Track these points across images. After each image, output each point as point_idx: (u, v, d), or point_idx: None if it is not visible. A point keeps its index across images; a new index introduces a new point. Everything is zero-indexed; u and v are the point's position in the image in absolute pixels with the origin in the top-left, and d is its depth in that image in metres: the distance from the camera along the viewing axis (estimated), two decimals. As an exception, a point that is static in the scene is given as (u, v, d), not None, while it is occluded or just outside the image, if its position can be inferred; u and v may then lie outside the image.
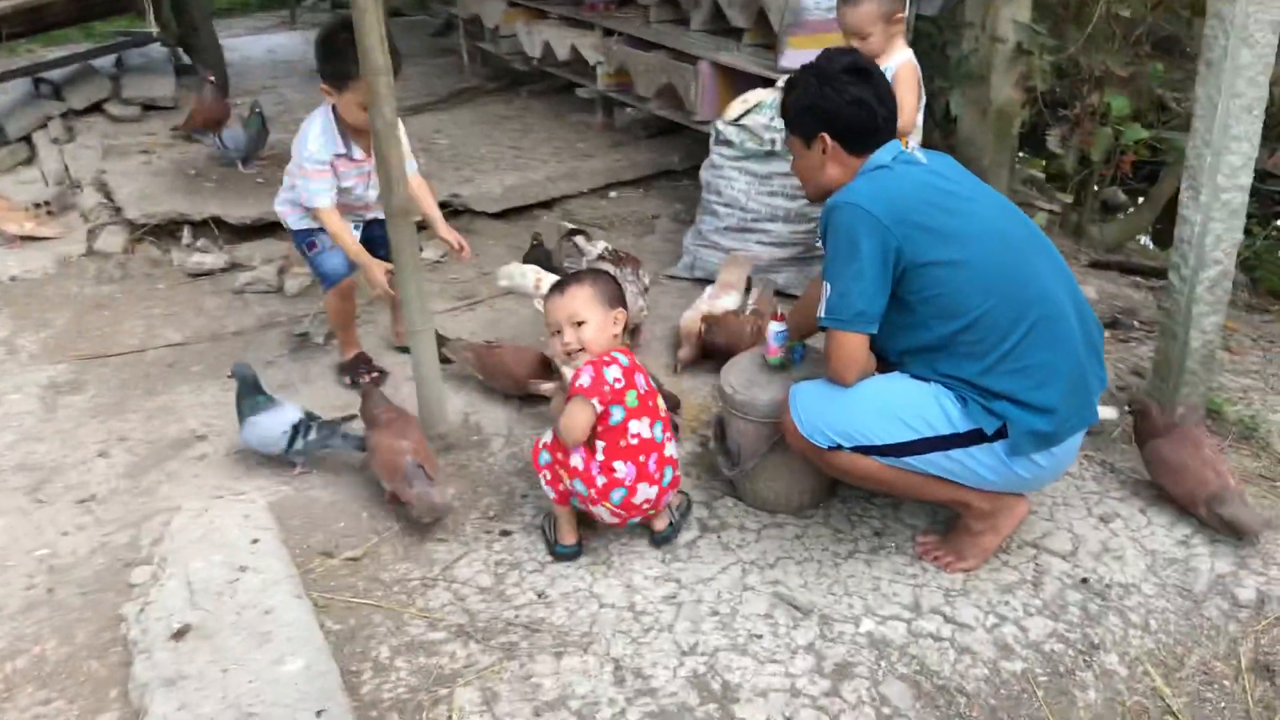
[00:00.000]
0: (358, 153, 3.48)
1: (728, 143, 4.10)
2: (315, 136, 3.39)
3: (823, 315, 2.60)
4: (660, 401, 2.80)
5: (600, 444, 2.70)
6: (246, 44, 8.74)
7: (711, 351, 3.62)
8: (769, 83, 4.36)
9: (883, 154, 2.68)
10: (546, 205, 5.29)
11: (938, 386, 2.60)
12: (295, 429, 3.20)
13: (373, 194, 3.57)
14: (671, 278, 4.40)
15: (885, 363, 2.74)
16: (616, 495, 2.71)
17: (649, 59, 5.06)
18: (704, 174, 4.27)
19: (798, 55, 4.30)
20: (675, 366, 3.73)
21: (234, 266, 4.71)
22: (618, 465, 2.70)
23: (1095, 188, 4.82)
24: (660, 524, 2.89)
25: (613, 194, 5.42)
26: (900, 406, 2.59)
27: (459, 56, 7.36)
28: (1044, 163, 4.98)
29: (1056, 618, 2.63)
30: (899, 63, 3.46)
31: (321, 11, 11.03)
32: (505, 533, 2.99)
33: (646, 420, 2.72)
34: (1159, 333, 3.22)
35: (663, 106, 5.22)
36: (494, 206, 5.07)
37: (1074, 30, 4.38)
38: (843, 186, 2.70)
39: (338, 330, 3.78)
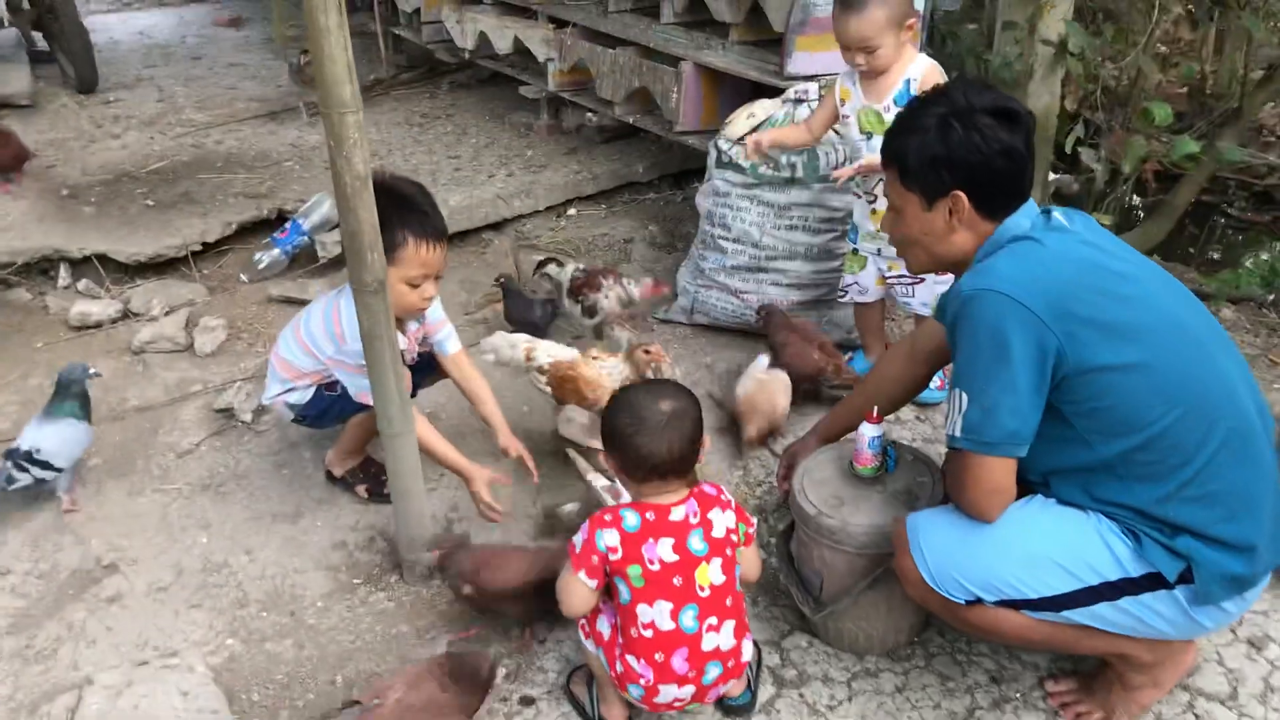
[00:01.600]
0: (401, 340, 2.67)
1: (734, 166, 3.45)
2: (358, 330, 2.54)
3: (959, 434, 2.00)
4: (710, 575, 2.06)
5: (619, 621, 2.10)
6: (113, 25, 7.70)
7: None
8: (770, 90, 3.72)
9: (1019, 219, 2.08)
10: (495, 227, 4.55)
11: (1099, 518, 2.03)
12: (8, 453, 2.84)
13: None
14: (665, 321, 3.74)
15: (1023, 482, 2.15)
16: (634, 691, 2.10)
17: (616, 57, 4.35)
18: (703, 201, 3.62)
19: (808, 59, 3.69)
20: (740, 451, 3.10)
21: (128, 316, 3.88)
22: (630, 659, 2.08)
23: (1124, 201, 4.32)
24: (735, 687, 2.27)
25: (571, 211, 4.70)
26: (1056, 547, 2.02)
27: (367, 39, 6.51)
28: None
29: (1237, 793, 2.12)
30: (923, 71, 2.90)
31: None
32: (527, 701, 2.33)
33: (668, 606, 2.04)
34: None
35: (632, 112, 4.52)
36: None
37: (1107, 30, 3.86)
38: (972, 262, 2.11)
39: (357, 440, 2.91)
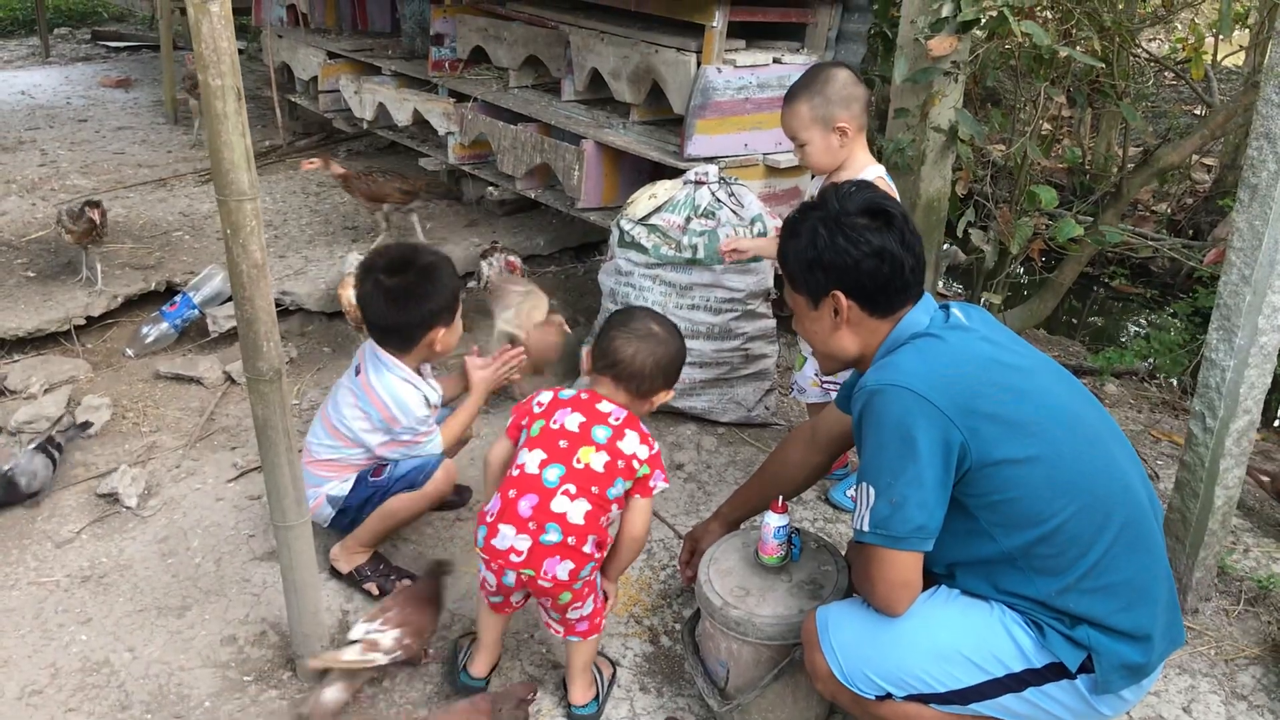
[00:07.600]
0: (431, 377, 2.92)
1: (637, 246, 3.46)
2: (414, 398, 2.73)
3: (866, 529, 2.01)
4: (594, 460, 2.23)
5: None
6: (-7, 83, 7.46)
7: None
8: (671, 171, 3.76)
9: (918, 315, 2.13)
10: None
11: (1002, 609, 2.06)
12: None
13: None
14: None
15: (928, 574, 2.17)
16: (481, 532, 2.28)
17: (518, 134, 4.35)
18: (605, 279, 3.62)
19: (707, 141, 3.74)
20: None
21: (4, 393, 3.69)
22: (495, 496, 2.30)
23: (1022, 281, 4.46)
24: (579, 695, 2.40)
25: (471, 284, 4.66)
26: (963, 640, 2.04)
27: (263, 104, 6.40)
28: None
29: None
30: (872, 179, 2.89)
31: (82, 42, 9.73)
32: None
33: (540, 456, 2.26)
34: (1175, 488, 2.81)
35: (533, 187, 4.52)
36: (335, 306, 4.22)
37: (995, 116, 4.00)
38: (875, 359, 2.15)
39: (376, 533, 2.83)
